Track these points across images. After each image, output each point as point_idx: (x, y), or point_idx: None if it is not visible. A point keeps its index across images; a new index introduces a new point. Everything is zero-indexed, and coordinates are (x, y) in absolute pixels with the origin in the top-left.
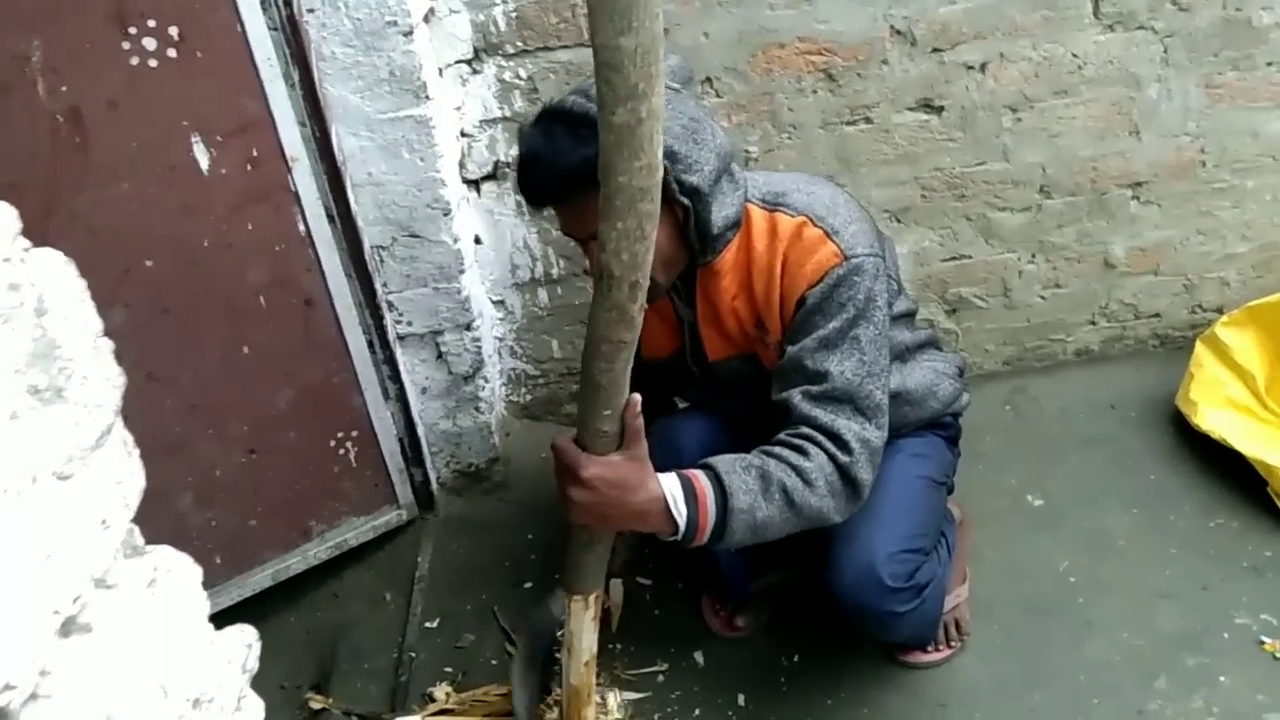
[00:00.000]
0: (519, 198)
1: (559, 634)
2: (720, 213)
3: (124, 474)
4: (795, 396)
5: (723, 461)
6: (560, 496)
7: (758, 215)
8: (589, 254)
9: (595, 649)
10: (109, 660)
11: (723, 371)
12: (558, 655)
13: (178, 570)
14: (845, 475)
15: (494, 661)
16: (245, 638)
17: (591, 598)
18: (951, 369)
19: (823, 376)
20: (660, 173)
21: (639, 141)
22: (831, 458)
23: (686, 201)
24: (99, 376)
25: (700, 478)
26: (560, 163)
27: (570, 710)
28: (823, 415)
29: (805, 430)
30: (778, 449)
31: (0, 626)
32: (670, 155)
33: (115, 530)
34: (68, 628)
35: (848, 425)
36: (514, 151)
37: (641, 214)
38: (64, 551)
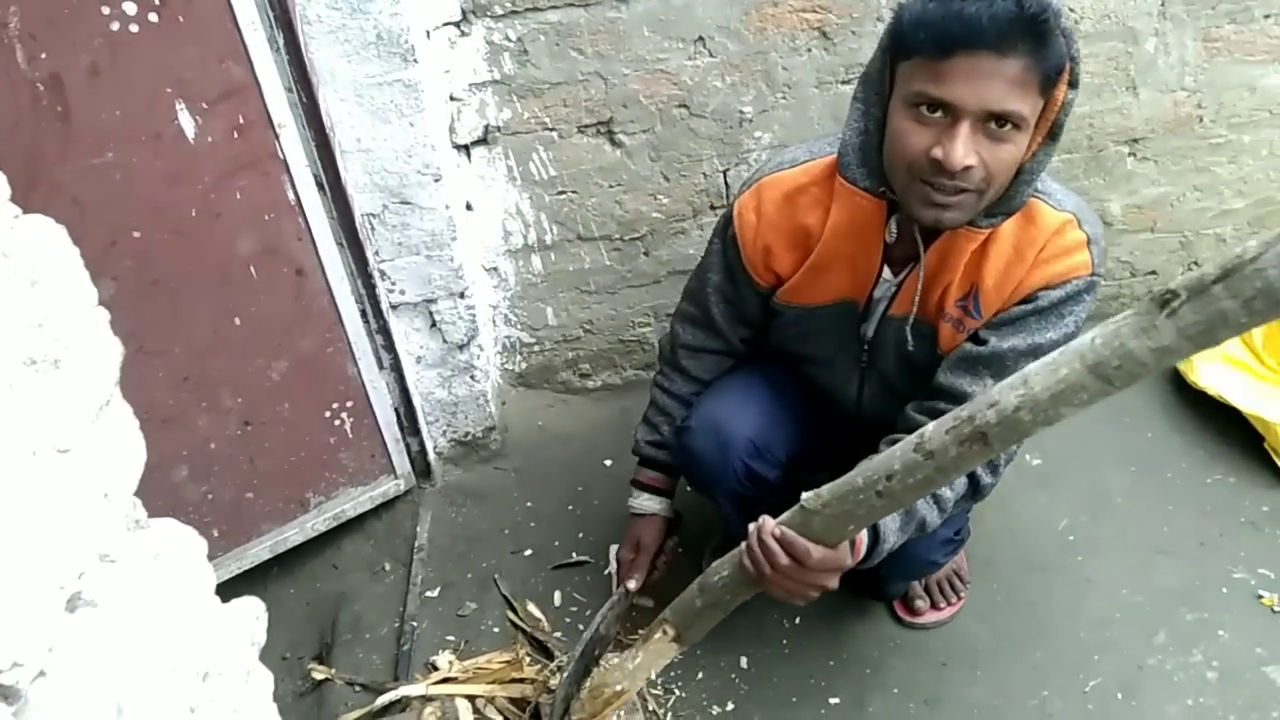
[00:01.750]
0: (509, 162)
1: (595, 649)
2: (1042, 174)
3: (124, 446)
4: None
5: None
6: (764, 580)
7: None
8: (951, 134)
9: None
10: (116, 636)
11: (887, 329)
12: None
13: (181, 544)
14: (977, 492)
15: (495, 629)
16: (252, 610)
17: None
18: None
19: None
20: None
21: (1213, 336)
22: (975, 481)
23: (1058, 138)
24: (96, 347)
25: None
26: (1032, 6)
27: (597, 705)
28: None
29: None
30: None
31: (6, 604)
32: (1074, 83)
33: (117, 503)
34: (73, 603)
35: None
36: (504, 115)
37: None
38: (67, 526)
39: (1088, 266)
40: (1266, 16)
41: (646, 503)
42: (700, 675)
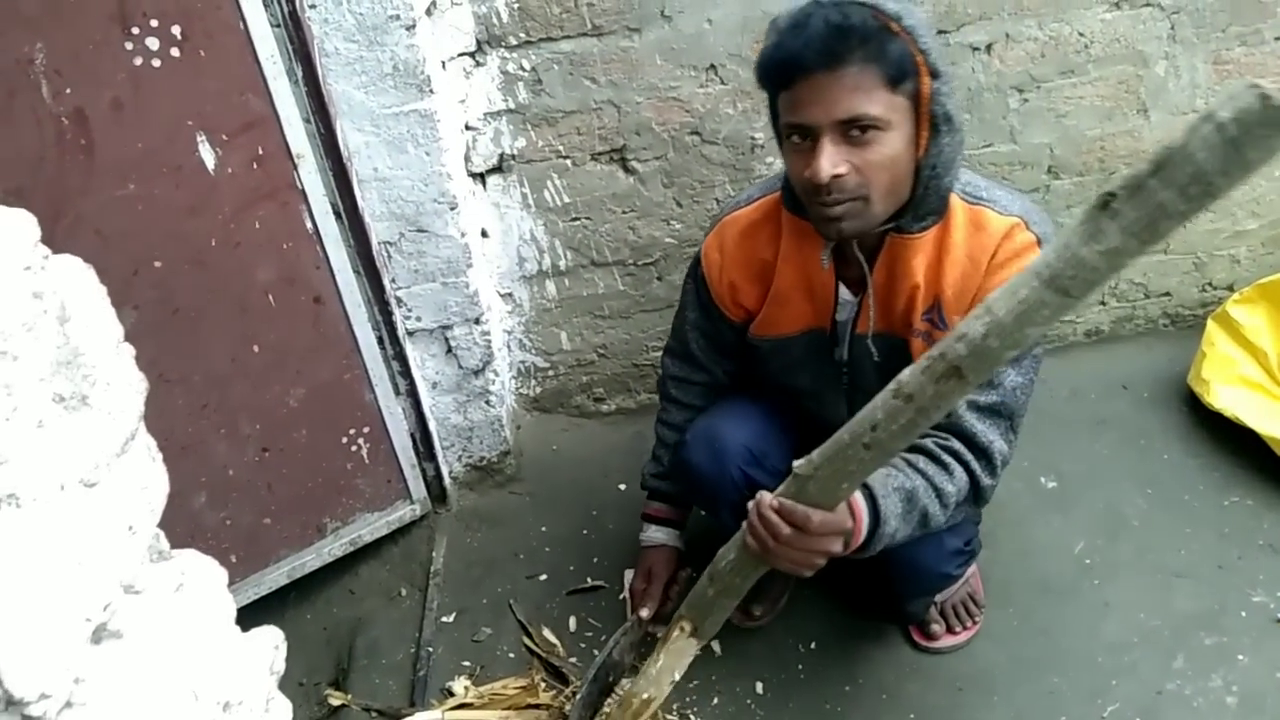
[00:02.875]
0: (524, 189)
1: (610, 675)
2: (954, 169)
3: (148, 479)
4: (960, 404)
5: (877, 482)
6: (770, 553)
7: (959, 206)
8: (815, 152)
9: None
10: (140, 666)
11: (863, 346)
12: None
13: (204, 574)
14: (980, 493)
15: (511, 655)
16: (272, 639)
17: (694, 634)
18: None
19: (994, 387)
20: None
21: (1156, 229)
22: (974, 479)
23: (943, 128)
24: (122, 382)
25: (859, 503)
26: (851, 17)
27: (626, 715)
28: (982, 432)
29: (955, 445)
30: (924, 463)
31: (34, 635)
32: (943, 75)
33: (142, 536)
34: (99, 634)
35: (1000, 446)
36: (519, 143)
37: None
38: (93, 558)
39: None
40: (1276, 38)
41: (655, 534)
42: (716, 701)
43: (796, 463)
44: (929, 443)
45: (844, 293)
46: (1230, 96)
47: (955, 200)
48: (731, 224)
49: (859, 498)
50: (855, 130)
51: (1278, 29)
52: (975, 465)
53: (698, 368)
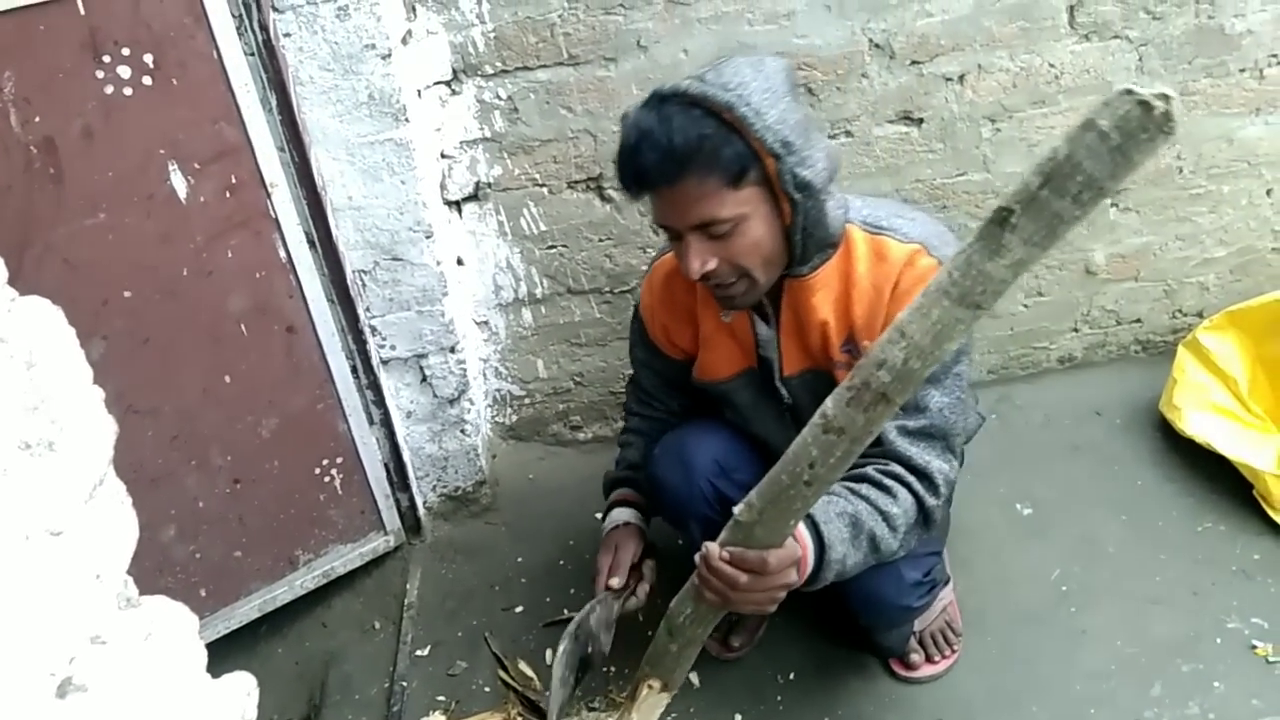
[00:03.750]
0: (500, 217)
1: (590, 649)
2: (829, 217)
3: (117, 525)
4: (890, 430)
5: (819, 510)
6: (730, 602)
7: (859, 237)
8: (681, 251)
9: None
10: None
11: (790, 387)
12: (587, 672)
13: (174, 621)
14: (926, 516)
15: (487, 689)
16: (244, 686)
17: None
18: (972, 400)
19: (921, 410)
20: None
21: (1054, 235)
22: (919, 500)
23: (798, 197)
24: (90, 427)
25: (801, 531)
26: (676, 138)
27: None
28: (917, 455)
29: (895, 469)
30: (866, 489)
31: None
32: (786, 145)
33: (110, 584)
34: (64, 689)
35: (939, 466)
36: (495, 172)
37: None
38: (58, 610)
39: None
40: (1242, 70)
41: (618, 514)
42: None
43: (737, 509)
44: (869, 469)
45: (761, 329)
46: (1108, 104)
47: (856, 232)
48: (659, 268)
49: (801, 527)
50: (711, 229)
51: (1242, 61)
52: (917, 486)
53: (652, 401)
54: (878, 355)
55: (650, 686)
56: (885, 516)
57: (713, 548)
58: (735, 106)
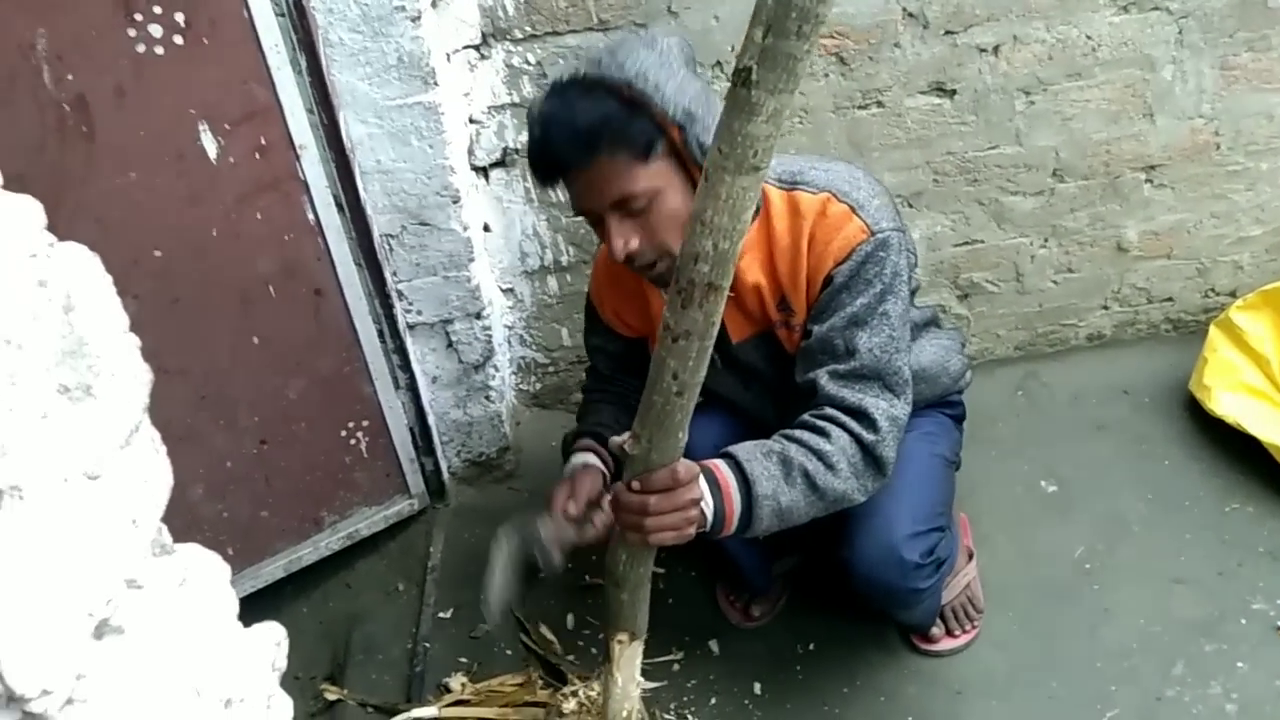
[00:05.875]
0: (527, 184)
1: (538, 553)
2: None
3: (152, 472)
4: (822, 376)
5: (742, 449)
6: (648, 532)
7: (775, 195)
8: (605, 232)
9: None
10: (142, 662)
11: (743, 354)
12: (534, 576)
13: (207, 569)
14: (870, 454)
15: (509, 651)
16: (274, 635)
17: (634, 639)
18: (956, 344)
19: (851, 354)
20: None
21: (793, 74)
22: (856, 438)
23: (699, 149)
24: (127, 373)
25: (721, 467)
26: (580, 120)
27: None
28: (850, 395)
29: (829, 411)
30: (799, 432)
31: (36, 631)
32: (688, 115)
33: (145, 530)
34: (101, 630)
35: (875, 403)
36: (523, 138)
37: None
38: (96, 553)
39: (863, 230)
40: None
41: (578, 458)
42: (714, 701)
43: (626, 445)
44: (804, 416)
45: None
46: None
47: (771, 190)
48: (603, 253)
49: (720, 464)
50: (630, 205)
51: None
52: (852, 424)
53: (611, 384)
54: (690, 251)
55: (620, 642)
56: (819, 454)
57: (618, 485)
58: (634, 83)
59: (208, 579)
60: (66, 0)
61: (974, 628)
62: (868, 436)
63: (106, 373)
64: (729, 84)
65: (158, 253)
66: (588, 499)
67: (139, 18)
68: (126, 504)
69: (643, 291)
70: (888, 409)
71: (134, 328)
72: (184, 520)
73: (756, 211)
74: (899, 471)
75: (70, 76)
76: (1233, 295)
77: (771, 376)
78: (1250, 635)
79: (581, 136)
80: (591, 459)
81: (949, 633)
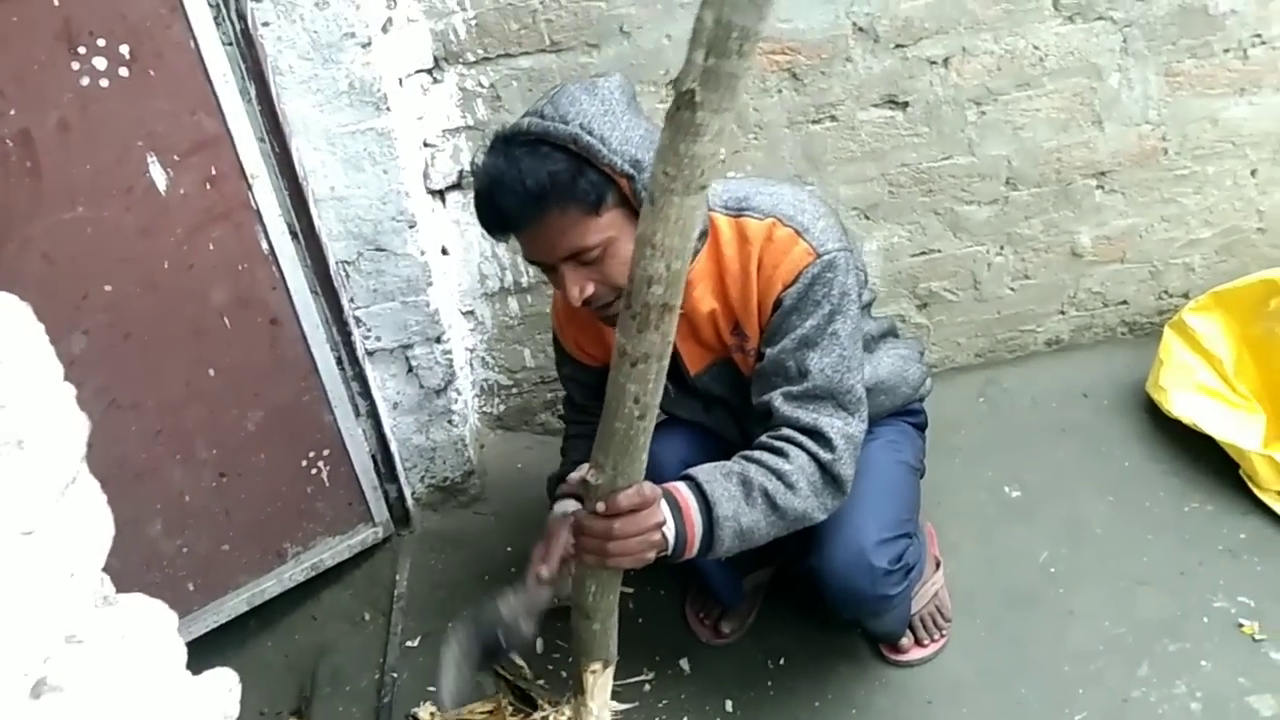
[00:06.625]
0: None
1: (499, 634)
2: None
3: (91, 522)
4: (777, 398)
5: (702, 471)
6: (612, 557)
7: (723, 222)
8: (560, 281)
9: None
10: None
11: (702, 384)
12: (498, 656)
13: (151, 619)
14: (828, 473)
15: (477, 679)
16: (225, 682)
17: (607, 666)
18: (915, 353)
19: (804, 375)
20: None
21: (734, 92)
22: (813, 457)
23: (645, 190)
24: (61, 424)
25: (682, 489)
26: (528, 180)
27: None
28: (805, 416)
29: (786, 432)
30: (757, 453)
31: None
32: (635, 164)
33: (85, 582)
34: (38, 689)
35: (830, 422)
36: (480, 158)
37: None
38: (32, 610)
39: (809, 253)
40: (1226, 51)
41: (560, 505)
42: (685, 719)
43: (590, 476)
44: (762, 438)
45: None
46: None
47: (719, 218)
48: None
49: (680, 487)
50: (583, 256)
51: (1226, 41)
52: (809, 444)
53: (586, 413)
54: (642, 275)
55: (593, 672)
56: (779, 474)
57: (582, 511)
58: (579, 137)
59: (152, 629)
60: (7, 34)
61: (943, 636)
62: (825, 455)
63: (39, 424)
64: (676, 113)
65: (108, 287)
66: (561, 557)
67: (82, 50)
68: (64, 557)
69: (601, 326)
70: (843, 427)
71: (84, 363)
72: (143, 556)
73: (703, 236)
74: (865, 480)
75: (13, 111)
76: (1185, 297)
77: (733, 401)
78: (1213, 633)
79: (530, 197)
80: (571, 505)
81: (918, 642)
